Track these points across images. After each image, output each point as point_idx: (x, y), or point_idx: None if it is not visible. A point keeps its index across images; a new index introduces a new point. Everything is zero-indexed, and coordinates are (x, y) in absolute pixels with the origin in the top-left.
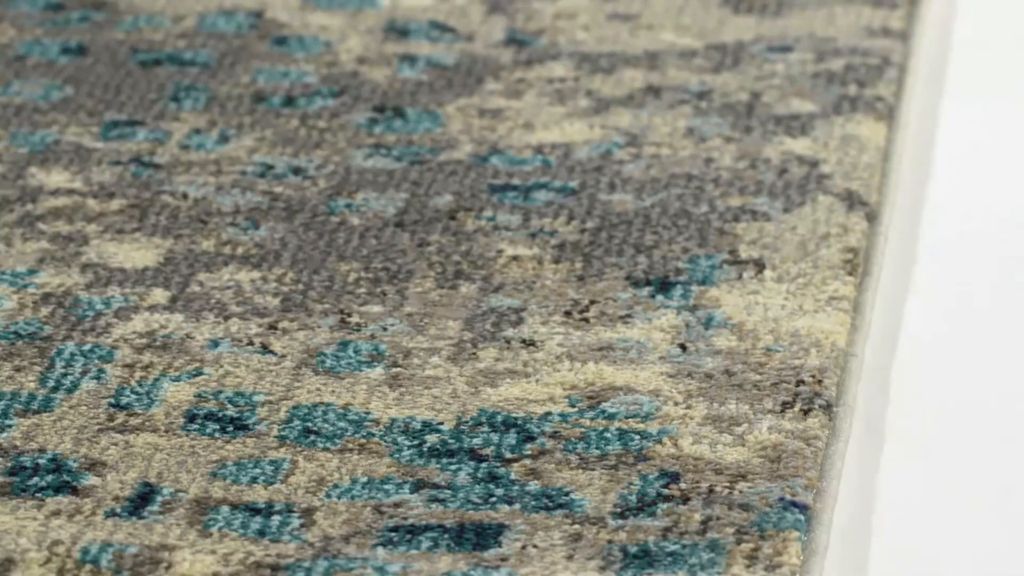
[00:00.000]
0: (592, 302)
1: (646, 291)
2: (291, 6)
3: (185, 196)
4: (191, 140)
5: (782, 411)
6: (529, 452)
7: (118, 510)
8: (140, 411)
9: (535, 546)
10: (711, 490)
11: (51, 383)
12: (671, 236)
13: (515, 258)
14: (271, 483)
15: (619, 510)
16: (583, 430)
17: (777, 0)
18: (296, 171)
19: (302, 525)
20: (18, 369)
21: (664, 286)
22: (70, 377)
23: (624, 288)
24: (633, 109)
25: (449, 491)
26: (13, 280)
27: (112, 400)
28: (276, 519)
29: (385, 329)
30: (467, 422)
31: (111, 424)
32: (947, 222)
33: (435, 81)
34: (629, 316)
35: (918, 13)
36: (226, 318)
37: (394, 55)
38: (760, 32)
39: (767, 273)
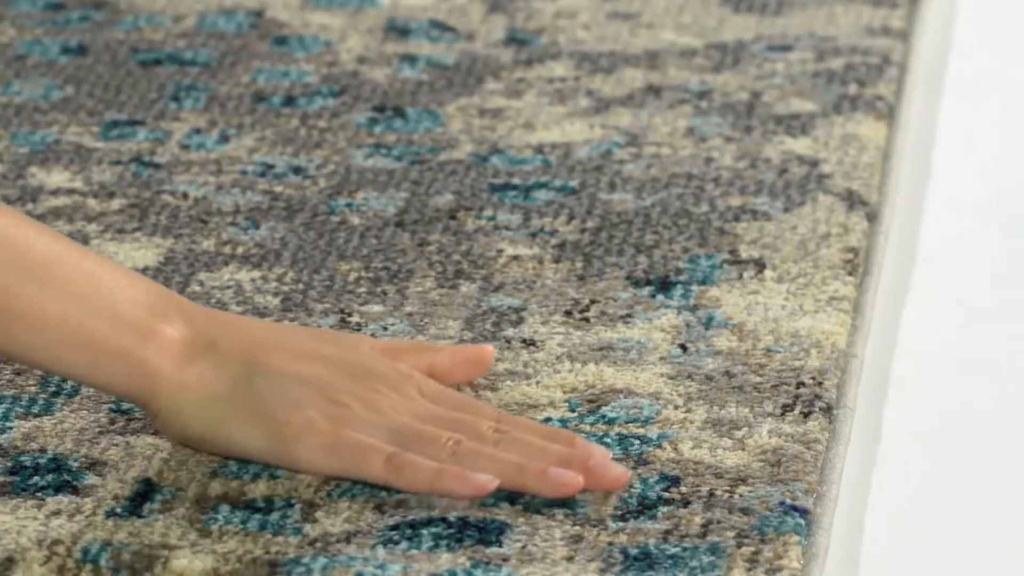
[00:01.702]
0: (592, 302)
1: (646, 291)
2: (291, 6)
3: (185, 196)
4: (191, 140)
5: (782, 414)
6: None
7: (118, 510)
8: (140, 415)
9: (536, 547)
10: (711, 493)
11: (52, 387)
12: (671, 236)
13: (515, 258)
14: (272, 482)
15: (619, 512)
16: (583, 435)
17: (777, 0)
18: (296, 171)
19: (302, 523)
20: (18, 373)
21: (664, 286)
22: (70, 381)
23: (624, 288)
24: (633, 109)
25: None
26: None
27: (113, 405)
28: (275, 518)
29: (385, 328)
30: None
31: (112, 427)
32: (947, 222)
33: (435, 81)
34: (629, 316)
35: (918, 13)
36: None
37: (394, 55)
38: (760, 31)
39: (767, 273)
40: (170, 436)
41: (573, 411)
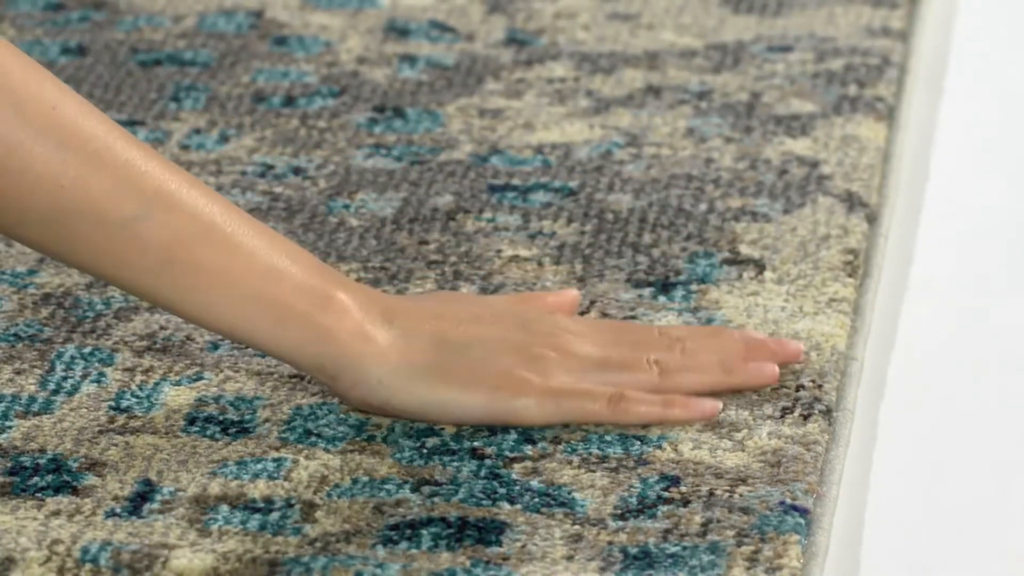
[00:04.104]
0: (592, 303)
1: (647, 292)
2: (291, 6)
3: None
4: (191, 140)
5: (782, 416)
6: (530, 454)
7: (118, 510)
8: (140, 414)
9: (536, 546)
10: (711, 493)
11: (51, 386)
12: (671, 237)
13: (515, 258)
14: (272, 482)
15: (619, 512)
16: (584, 432)
17: (777, 0)
18: (296, 171)
19: (302, 523)
20: (18, 372)
21: (665, 287)
22: (70, 380)
23: (625, 289)
24: (633, 109)
25: (452, 486)
26: (13, 280)
27: (112, 403)
28: (275, 518)
29: None
30: (467, 427)
31: (111, 426)
32: (947, 224)
33: (435, 81)
34: (630, 318)
35: (918, 13)
36: None
37: (394, 55)
38: (760, 32)
39: (767, 275)
40: (368, 406)
41: None
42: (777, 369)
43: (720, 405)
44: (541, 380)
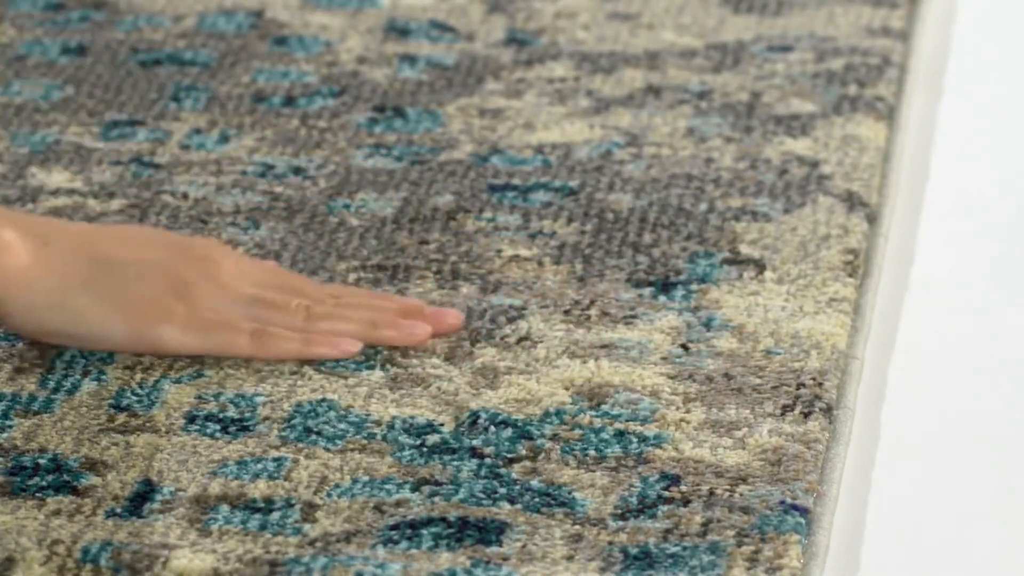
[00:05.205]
0: (592, 302)
1: (647, 292)
2: (291, 6)
3: (185, 196)
4: (191, 140)
5: (782, 414)
6: (529, 454)
7: (118, 510)
8: (140, 412)
9: (536, 546)
10: (712, 493)
11: (51, 385)
12: (671, 236)
13: (515, 258)
14: (272, 482)
15: (619, 512)
16: (582, 432)
17: (777, 0)
18: (296, 171)
19: (302, 523)
20: (19, 371)
21: (665, 287)
22: (71, 379)
23: (625, 289)
24: (633, 109)
25: (452, 486)
26: None
27: (112, 402)
28: (275, 518)
29: None
30: (464, 423)
31: (112, 425)
32: (947, 223)
33: (435, 81)
34: (630, 317)
35: (918, 13)
36: None
37: (394, 55)
38: (760, 32)
39: (767, 274)
40: (26, 334)
41: (574, 404)
42: (429, 330)
43: (359, 345)
44: (186, 309)
